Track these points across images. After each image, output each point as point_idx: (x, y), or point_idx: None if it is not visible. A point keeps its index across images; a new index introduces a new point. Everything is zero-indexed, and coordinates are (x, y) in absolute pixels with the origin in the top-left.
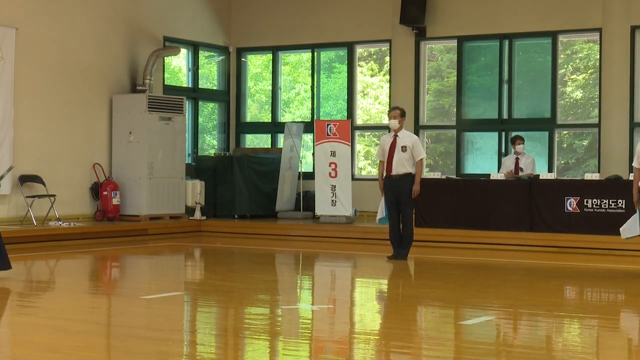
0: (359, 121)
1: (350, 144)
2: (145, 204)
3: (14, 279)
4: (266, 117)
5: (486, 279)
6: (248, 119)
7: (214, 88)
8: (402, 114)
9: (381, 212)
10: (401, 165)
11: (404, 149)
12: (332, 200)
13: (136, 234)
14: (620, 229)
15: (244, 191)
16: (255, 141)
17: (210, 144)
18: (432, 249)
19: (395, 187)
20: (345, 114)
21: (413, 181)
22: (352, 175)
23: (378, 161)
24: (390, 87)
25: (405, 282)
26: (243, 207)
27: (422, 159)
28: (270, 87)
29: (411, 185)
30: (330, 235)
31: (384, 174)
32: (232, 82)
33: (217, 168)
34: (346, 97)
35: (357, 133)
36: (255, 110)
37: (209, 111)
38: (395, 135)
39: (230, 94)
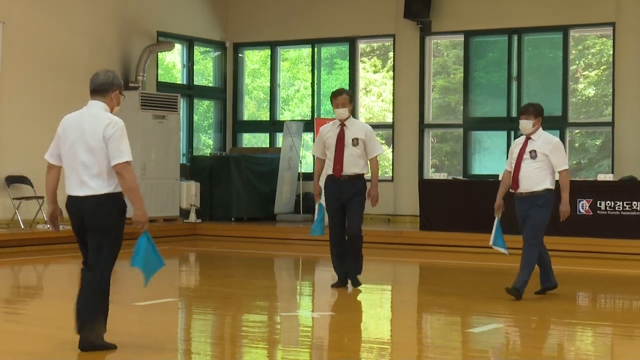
0: (362, 119)
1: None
2: None
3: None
4: (264, 116)
5: (494, 285)
6: (245, 117)
7: (210, 85)
8: (351, 99)
9: (317, 224)
10: (353, 164)
11: (355, 142)
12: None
13: (128, 237)
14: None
15: (241, 193)
16: (253, 140)
17: (206, 143)
18: (437, 253)
19: (343, 191)
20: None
21: (365, 185)
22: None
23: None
24: (394, 84)
25: (410, 288)
26: (240, 209)
27: (376, 156)
28: (268, 84)
29: (364, 189)
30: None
31: (327, 175)
32: (229, 79)
33: (213, 169)
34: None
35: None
36: (253, 108)
37: (205, 109)
38: (343, 125)
39: (227, 91)
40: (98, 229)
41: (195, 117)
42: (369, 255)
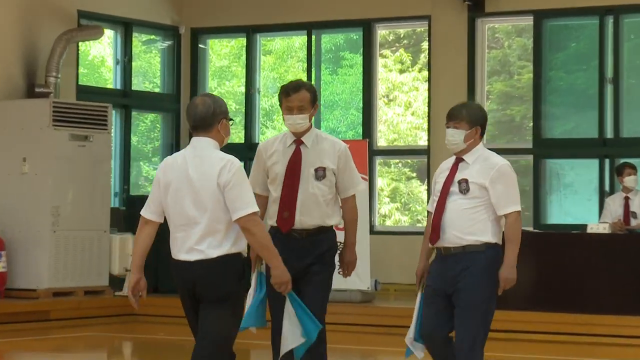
0: (382, 142)
1: (367, 177)
2: (47, 272)
3: None
4: (237, 136)
5: None
6: None
7: (156, 90)
8: (313, 99)
9: (253, 309)
10: (315, 210)
11: (320, 173)
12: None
13: (32, 318)
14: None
15: None
16: None
17: (150, 177)
18: (500, 343)
19: (296, 258)
20: (360, 130)
21: (335, 244)
22: (371, 226)
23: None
24: (429, 89)
25: None
26: None
27: (353, 195)
28: (242, 89)
29: (332, 252)
30: (338, 322)
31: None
32: (185, 82)
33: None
34: (361, 105)
35: (379, 160)
36: None
37: (148, 126)
38: (299, 144)
39: (182, 100)
40: (213, 299)
41: (134, 139)
42: (392, 345)
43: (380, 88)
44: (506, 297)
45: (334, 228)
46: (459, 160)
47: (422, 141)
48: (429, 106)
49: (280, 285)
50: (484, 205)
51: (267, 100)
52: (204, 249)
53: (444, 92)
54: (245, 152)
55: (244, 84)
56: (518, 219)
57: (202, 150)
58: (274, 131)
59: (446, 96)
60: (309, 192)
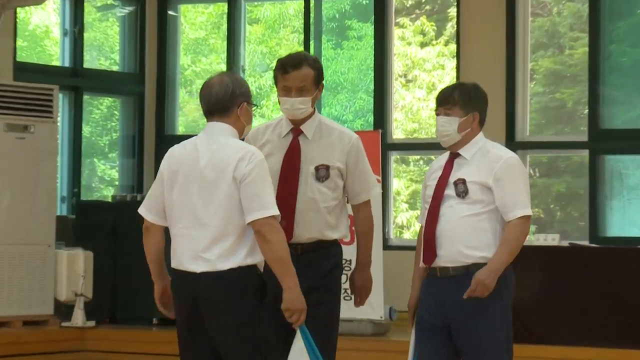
0: (398, 133)
1: (380, 178)
2: None
3: None
4: None
5: None
6: (181, 130)
7: (115, 69)
8: (317, 78)
9: None
10: (312, 219)
11: (322, 173)
12: (347, 291)
13: None
14: None
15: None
16: None
17: (107, 177)
18: None
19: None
20: (371, 119)
21: (340, 262)
22: (385, 240)
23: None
24: (458, 68)
25: None
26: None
27: (368, 201)
28: (223, 67)
29: (337, 272)
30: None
31: None
32: (150, 58)
33: (119, 226)
34: (372, 87)
35: (394, 156)
36: (196, 111)
37: (104, 114)
38: (296, 134)
39: (147, 81)
40: (222, 325)
41: (87, 129)
42: None
43: (397, 66)
44: (545, 327)
45: (338, 242)
46: (454, 156)
47: None
48: None
49: (292, 313)
50: (488, 211)
51: (254, 81)
52: (212, 259)
53: (476, 71)
54: None
55: (225, 60)
56: (524, 224)
57: (218, 138)
58: (262, 119)
59: (479, 76)
60: (306, 196)
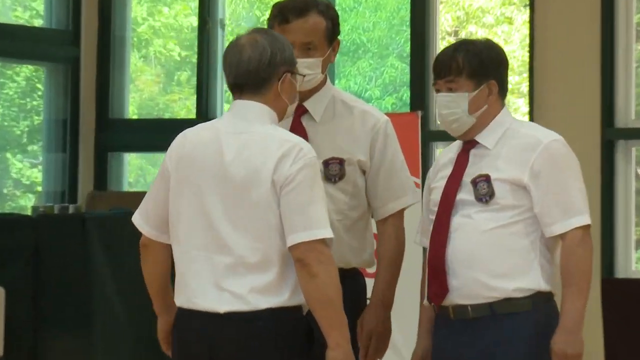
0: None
1: (420, 180)
2: None
3: None
4: (183, 105)
5: None
6: (132, 112)
7: (38, 24)
8: (331, 32)
9: None
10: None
11: (332, 169)
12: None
13: None
14: None
15: (117, 313)
16: (153, 173)
17: (25, 179)
18: None
19: None
20: (407, 96)
21: (363, 298)
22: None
23: None
24: (531, 20)
25: None
26: (119, 355)
27: (400, 212)
28: (194, 22)
29: (358, 313)
30: None
31: None
32: (88, 11)
33: (43, 250)
34: (408, 49)
35: (439, 149)
36: (154, 85)
37: (23, 88)
38: (299, 117)
39: (84, 41)
40: None
41: None
42: None
43: (444, 19)
44: None
45: (359, 271)
46: (470, 144)
47: (517, 113)
48: (531, 51)
49: None
50: (523, 220)
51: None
52: (242, 294)
53: (559, 26)
54: None
55: (196, 12)
56: (585, 240)
57: (250, 124)
58: None
59: (564, 34)
60: None
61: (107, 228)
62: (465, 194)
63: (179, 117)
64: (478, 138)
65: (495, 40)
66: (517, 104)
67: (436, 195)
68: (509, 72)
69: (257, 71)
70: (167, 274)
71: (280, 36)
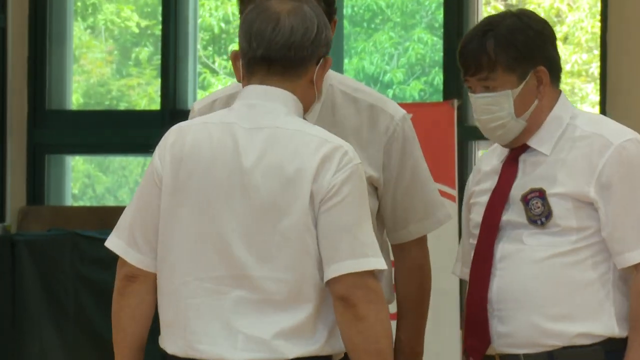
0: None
1: (457, 193)
2: None
3: None
4: (144, 95)
5: None
6: (76, 101)
7: None
8: (327, 9)
9: None
10: None
11: None
12: None
13: None
14: None
15: (52, 342)
16: (105, 182)
17: None
18: None
19: None
20: (439, 81)
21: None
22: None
23: None
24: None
25: None
26: None
27: (423, 238)
28: None
29: None
30: None
31: None
32: None
33: None
34: (441, 18)
35: (482, 150)
36: (105, 66)
37: None
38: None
39: (10, 9)
40: None
41: None
42: None
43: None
44: None
45: None
46: (519, 150)
47: (585, 103)
48: (603, 20)
49: None
50: (590, 246)
51: (216, 8)
52: (266, 339)
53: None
54: (164, 125)
55: None
56: None
57: (276, 116)
58: (226, 82)
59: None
60: None
61: (42, 253)
62: (513, 214)
63: (138, 109)
64: (530, 142)
65: (555, 7)
66: (585, 90)
67: (477, 215)
68: (574, 50)
69: (300, 46)
70: (151, 319)
71: (320, 16)
